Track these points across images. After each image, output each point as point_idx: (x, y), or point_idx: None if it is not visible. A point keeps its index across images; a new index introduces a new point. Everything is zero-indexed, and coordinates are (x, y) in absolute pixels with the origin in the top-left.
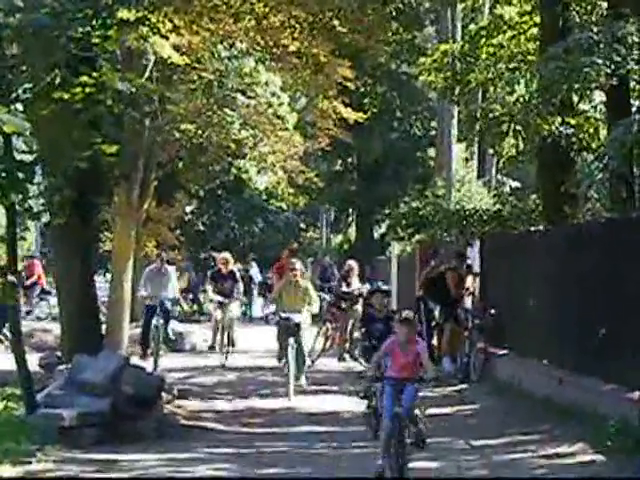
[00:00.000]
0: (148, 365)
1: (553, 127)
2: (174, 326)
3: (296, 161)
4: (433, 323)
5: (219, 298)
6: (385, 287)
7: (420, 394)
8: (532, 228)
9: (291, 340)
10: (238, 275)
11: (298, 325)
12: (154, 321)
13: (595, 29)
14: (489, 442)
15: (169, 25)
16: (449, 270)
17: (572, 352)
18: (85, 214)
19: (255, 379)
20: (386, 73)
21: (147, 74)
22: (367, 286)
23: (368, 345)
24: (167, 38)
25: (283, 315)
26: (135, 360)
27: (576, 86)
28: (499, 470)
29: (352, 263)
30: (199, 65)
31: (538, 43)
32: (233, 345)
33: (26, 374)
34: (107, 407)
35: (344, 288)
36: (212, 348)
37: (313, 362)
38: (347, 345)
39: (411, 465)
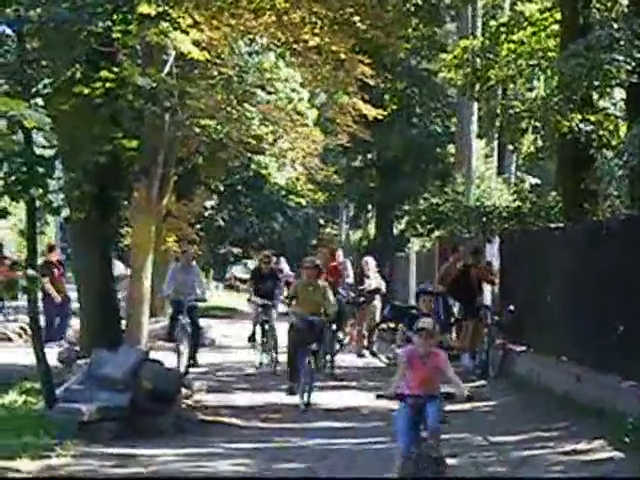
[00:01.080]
0: (177, 362)
1: (573, 124)
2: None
3: (316, 157)
4: (452, 319)
5: (260, 300)
6: (431, 288)
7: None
8: (552, 225)
9: (314, 346)
10: (281, 274)
11: (321, 329)
12: (181, 319)
13: (616, 26)
14: (507, 438)
15: (189, 20)
16: (474, 267)
17: (591, 349)
18: (105, 209)
19: (275, 374)
20: (406, 69)
21: (167, 69)
22: (382, 282)
23: None
24: (187, 33)
25: (301, 317)
26: (154, 355)
27: (596, 83)
28: (517, 466)
29: (368, 259)
30: (219, 61)
31: (558, 40)
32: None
33: (45, 368)
34: (126, 402)
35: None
36: (252, 338)
37: (333, 358)
38: (365, 341)
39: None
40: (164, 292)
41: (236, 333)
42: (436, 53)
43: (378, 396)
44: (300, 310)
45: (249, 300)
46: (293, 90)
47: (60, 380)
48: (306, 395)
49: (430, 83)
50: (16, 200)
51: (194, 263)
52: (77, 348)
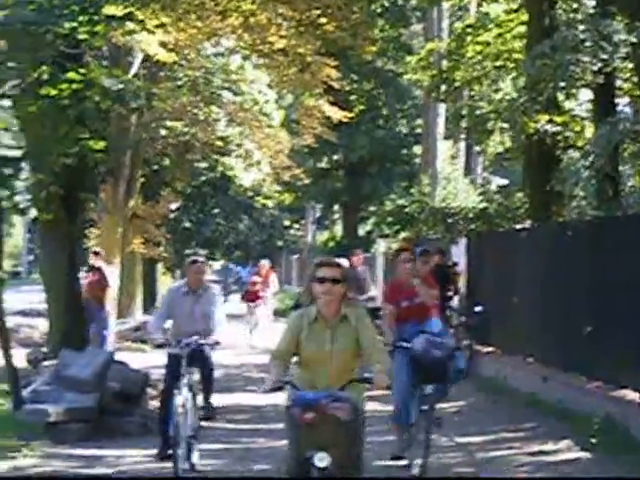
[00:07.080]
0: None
1: (539, 125)
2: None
3: (282, 158)
4: None
5: None
6: None
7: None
8: (518, 226)
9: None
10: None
11: (355, 427)
12: (183, 380)
13: (581, 27)
14: (474, 439)
15: (156, 22)
16: (447, 267)
17: (558, 350)
18: (72, 210)
19: (240, 375)
20: (372, 71)
21: (134, 71)
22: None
23: None
24: (154, 34)
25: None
26: (121, 356)
27: (562, 84)
28: (483, 467)
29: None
30: (186, 62)
31: (524, 41)
32: None
33: (12, 370)
34: (93, 403)
35: None
36: None
37: None
38: None
39: (392, 463)
40: (150, 332)
41: None
42: (402, 54)
43: None
44: (308, 381)
45: None
46: (259, 92)
47: (27, 381)
48: None
49: (396, 84)
50: None
51: (210, 285)
52: (44, 349)
